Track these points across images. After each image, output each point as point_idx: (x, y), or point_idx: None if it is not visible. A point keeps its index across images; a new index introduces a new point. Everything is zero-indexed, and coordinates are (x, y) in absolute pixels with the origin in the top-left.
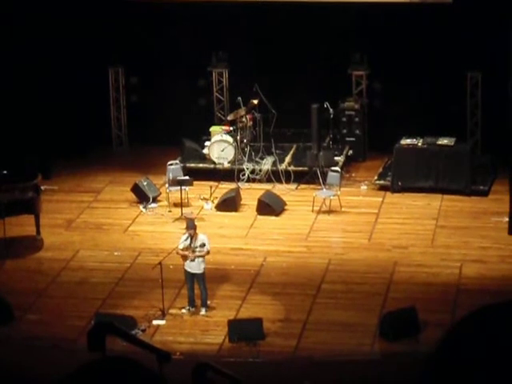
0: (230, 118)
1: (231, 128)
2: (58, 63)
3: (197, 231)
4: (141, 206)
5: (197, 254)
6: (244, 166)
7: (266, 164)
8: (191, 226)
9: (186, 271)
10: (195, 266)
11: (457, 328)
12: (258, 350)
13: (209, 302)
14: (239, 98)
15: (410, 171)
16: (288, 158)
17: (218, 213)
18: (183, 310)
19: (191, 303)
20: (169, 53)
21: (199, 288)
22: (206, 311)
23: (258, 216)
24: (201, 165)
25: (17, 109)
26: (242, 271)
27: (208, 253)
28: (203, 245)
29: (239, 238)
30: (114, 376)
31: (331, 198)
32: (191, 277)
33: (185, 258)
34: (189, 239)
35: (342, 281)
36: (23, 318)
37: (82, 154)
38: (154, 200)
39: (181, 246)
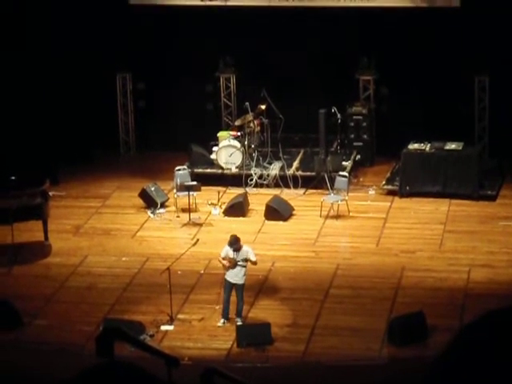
0: (237, 123)
1: (239, 133)
2: (65, 69)
3: (241, 243)
4: (149, 212)
5: (240, 262)
6: (252, 171)
7: (274, 169)
8: (234, 242)
9: (225, 281)
10: (236, 276)
11: (464, 332)
12: (266, 355)
13: (217, 307)
14: (247, 104)
15: (418, 176)
16: (296, 163)
17: (226, 218)
18: (219, 324)
19: (226, 315)
20: (176, 58)
21: (236, 297)
22: (242, 321)
23: (266, 221)
24: (208, 170)
25: (25, 114)
26: (250, 276)
27: (255, 263)
28: (245, 260)
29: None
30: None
31: (339, 202)
32: (230, 287)
33: (224, 267)
34: (231, 251)
35: (350, 286)
36: (31, 324)
37: (90, 160)
38: (162, 205)
39: (222, 255)
